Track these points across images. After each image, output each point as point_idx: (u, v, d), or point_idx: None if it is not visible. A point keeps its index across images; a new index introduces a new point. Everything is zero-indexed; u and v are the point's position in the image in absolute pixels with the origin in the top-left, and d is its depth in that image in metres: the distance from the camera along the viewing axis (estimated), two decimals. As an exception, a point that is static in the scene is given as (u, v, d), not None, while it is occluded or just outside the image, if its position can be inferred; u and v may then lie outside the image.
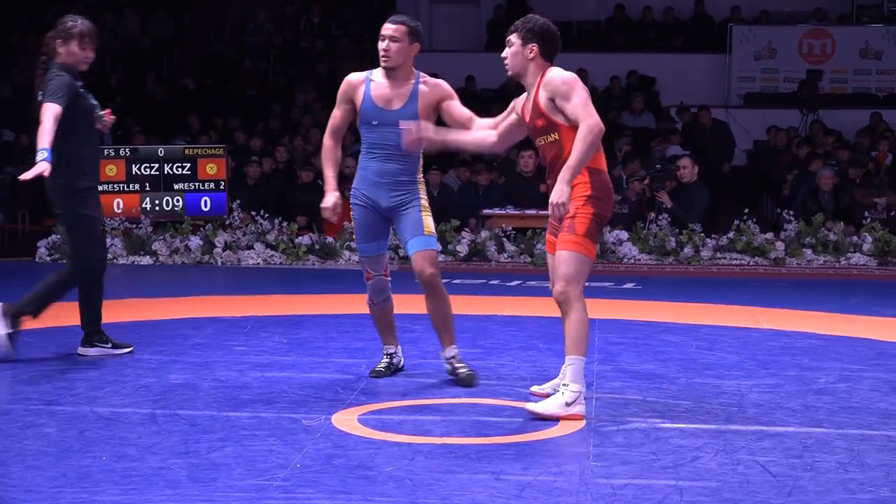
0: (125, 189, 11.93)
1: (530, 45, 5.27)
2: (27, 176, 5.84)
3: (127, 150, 12.15)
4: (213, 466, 4.36)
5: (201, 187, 12.18)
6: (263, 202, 12.31)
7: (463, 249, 11.18)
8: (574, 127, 5.09)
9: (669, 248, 11.23)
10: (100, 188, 11.25)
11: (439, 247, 5.73)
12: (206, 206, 12.21)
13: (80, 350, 6.47)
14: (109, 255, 11.21)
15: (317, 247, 11.44)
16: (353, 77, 5.82)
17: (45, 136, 5.93)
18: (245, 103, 17.10)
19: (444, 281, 5.88)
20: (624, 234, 11.36)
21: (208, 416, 5.14)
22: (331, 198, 5.79)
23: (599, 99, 14.39)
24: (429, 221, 5.77)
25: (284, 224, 11.58)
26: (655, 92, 17.41)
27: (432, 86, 5.77)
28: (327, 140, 5.90)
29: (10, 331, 6.26)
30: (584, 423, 5.05)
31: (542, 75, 5.24)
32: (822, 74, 17.16)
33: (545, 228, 5.77)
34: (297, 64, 18.22)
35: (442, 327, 5.82)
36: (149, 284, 9.91)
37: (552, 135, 5.20)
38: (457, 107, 5.78)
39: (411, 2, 18.99)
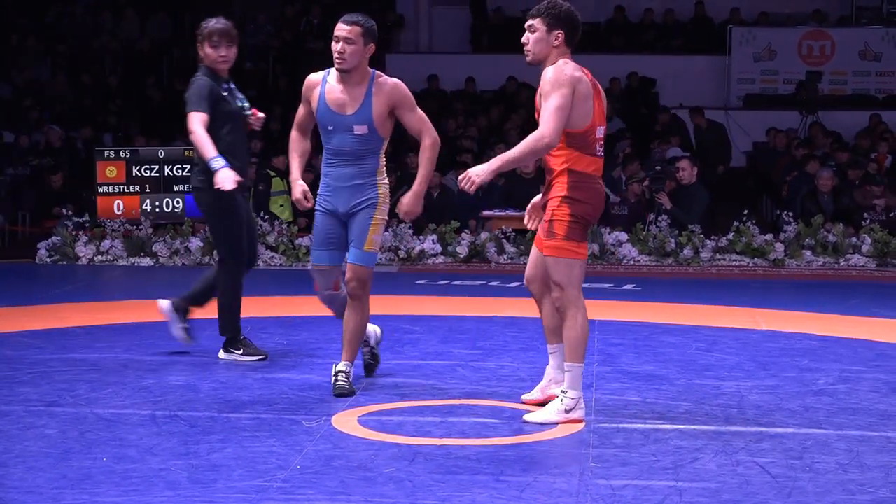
0: (125, 191, 11.91)
1: (556, 32, 4.99)
2: (225, 186, 5.86)
3: (127, 151, 12.12)
4: (213, 468, 4.37)
5: (201, 189, 12.15)
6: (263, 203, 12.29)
7: (463, 251, 11.17)
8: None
9: (669, 249, 11.22)
10: (99, 189, 11.13)
11: (374, 262, 5.65)
12: (206, 208, 12.17)
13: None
14: (109, 257, 11.21)
15: (317, 248, 11.42)
16: (312, 78, 5.77)
17: (206, 146, 5.98)
18: (245, 104, 17.06)
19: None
20: (623, 236, 11.35)
21: (208, 417, 5.15)
22: (297, 188, 5.76)
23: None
24: (374, 237, 5.60)
25: (285, 226, 11.58)
26: (655, 93, 17.41)
27: (388, 89, 5.56)
28: (294, 133, 5.90)
29: (185, 325, 6.49)
30: (583, 424, 5.05)
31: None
32: (822, 76, 17.14)
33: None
34: (298, 65, 18.19)
35: (349, 340, 5.70)
36: (149, 286, 9.89)
37: None
38: (409, 118, 5.60)
39: (411, 3, 18.97)
